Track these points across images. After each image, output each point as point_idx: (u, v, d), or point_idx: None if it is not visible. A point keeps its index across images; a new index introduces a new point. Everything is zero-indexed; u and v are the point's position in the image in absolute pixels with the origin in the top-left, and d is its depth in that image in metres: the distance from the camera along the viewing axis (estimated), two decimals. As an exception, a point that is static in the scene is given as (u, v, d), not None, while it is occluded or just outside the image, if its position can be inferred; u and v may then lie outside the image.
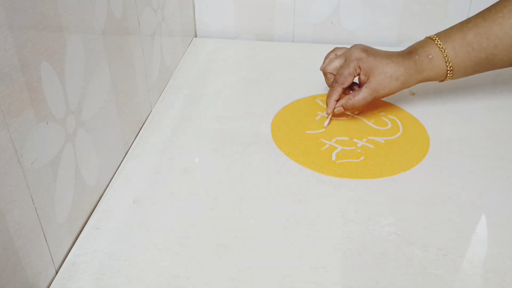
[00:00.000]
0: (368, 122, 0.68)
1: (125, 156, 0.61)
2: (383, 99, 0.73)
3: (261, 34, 0.96)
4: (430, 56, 0.63)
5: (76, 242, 0.49)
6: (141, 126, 0.67)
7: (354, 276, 0.45)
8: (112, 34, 0.55)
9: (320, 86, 0.77)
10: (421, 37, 0.92)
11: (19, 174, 0.38)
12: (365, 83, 0.64)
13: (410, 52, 0.64)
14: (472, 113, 0.70)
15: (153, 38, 0.70)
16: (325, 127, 0.67)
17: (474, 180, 0.57)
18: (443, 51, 0.63)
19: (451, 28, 0.65)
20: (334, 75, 0.67)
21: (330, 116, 0.67)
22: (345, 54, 0.67)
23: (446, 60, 0.63)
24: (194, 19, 0.96)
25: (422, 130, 0.66)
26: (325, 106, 0.72)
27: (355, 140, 0.64)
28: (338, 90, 0.66)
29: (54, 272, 0.45)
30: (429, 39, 0.65)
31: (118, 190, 0.56)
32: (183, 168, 0.59)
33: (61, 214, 0.46)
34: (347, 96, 0.65)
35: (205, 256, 0.47)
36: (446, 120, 0.68)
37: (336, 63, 0.68)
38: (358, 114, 0.70)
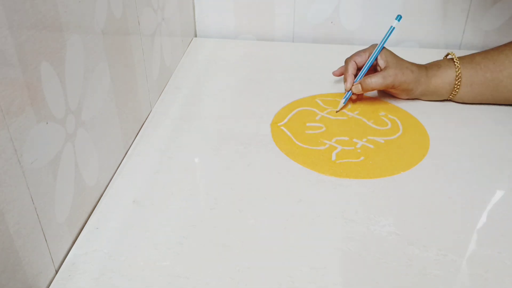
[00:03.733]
0: (368, 122, 0.68)
1: (125, 156, 0.61)
2: (384, 99, 0.74)
3: (261, 34, 0.96)
4: (439, 66, 0.69)
5: (76, 242, 0.49)
6: (141, 126, 0.67)
7: (354, 276, 0.45)
8: (112, 34, 0.55)
9: (320, 86, 0.77)
10: (421, 37, 0.92)
11: (19, 174, 0.38)
12: (383, 68, 0.69)
13: (423, 64, 0.71)
14: (472, 113, 0.70)
15: (153, 38, 0.70)
16: (341, 107, 0.70)
17: (474, 180, 0.57)
18: (455, 60, 0.68)
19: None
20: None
21: (348, 93, 0.70)
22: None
23: (457, 68, 0.67)
24: (194, 19, 0.96)
25: (422, 130, 0.66)
26: (325, 106, 0.72)
27: (355, 140, 0.64)
28: (352, 65, 0.70)
29: (54, 272, 0.45)
30: (444, 57, 0.72)
31: (118, 190, 0.56)
32: (183, 168, 0.59)
33: (61, 214, 0.46)
34: (366, 76, 0.69)
35: (205, 256, 0.47)
36: (446, 120, 0.68)
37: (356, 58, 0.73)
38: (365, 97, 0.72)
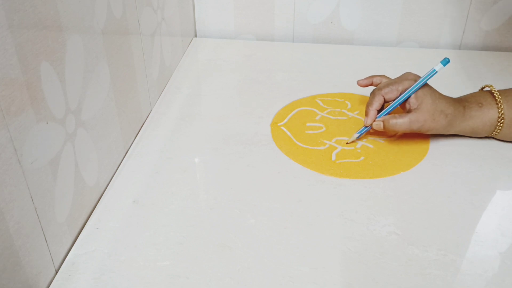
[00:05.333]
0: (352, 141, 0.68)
1: (125, 156, 0.61)
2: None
3: (261, 34, 0.96)
4: (480, 104, 0.60)
5: (76, 242, 0.49)
6: (141, 126, 0.67)
7: (354, 276, 0.45)
8: (112, 34, 0.55)
9: (320, 86, 0.77)
10: (421, 37, 0.92)
11: (19, 174, 0.38)
12: (413, 109, 0.59)
13: (460, 100, 0.61)
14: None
15: (153, 38, 0.70)
16: (349, 142, 0.63)
17: (474, 180, 0.57)
18: (496, 97, 0.60)
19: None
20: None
21: (366, 128, 0.62)
22: (398, 77, 0.63)
23: (499, 107, 0.59)
24: (194, 19, 0.96)
25: (422, 130, 0.66)
26: (325, 106, 0.72)
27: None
28: (379, 99, 0.61)
29: (54, 271, 0.45)
30: (482, 90, 0.63)
31: (118, 190, 0.56)
32: (183, 168, 0.59)
33: (61, 213, 0.46)
34: (391, 115, 0.60)
35: (205, 256, 0.47)
36: (446, 120, 0.68)
37: (385, 80, 0.65)
38: (395, 136, 0.65)
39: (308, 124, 0.67)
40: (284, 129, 0.66)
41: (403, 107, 0.62)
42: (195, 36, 0.98)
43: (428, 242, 0.48)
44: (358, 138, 0.63)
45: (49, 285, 0.44)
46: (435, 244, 0.48)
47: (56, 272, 0.45)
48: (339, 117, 0.69)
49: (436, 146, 0.62)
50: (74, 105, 0.47)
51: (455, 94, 0.62)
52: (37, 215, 0.41)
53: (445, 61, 0.60)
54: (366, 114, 0.62)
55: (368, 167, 0.59)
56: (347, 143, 0.63)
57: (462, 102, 0.60)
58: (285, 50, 0.92)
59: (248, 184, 0.56)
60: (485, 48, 0.91)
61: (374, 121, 0.61)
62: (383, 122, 0.61)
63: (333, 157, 0.61)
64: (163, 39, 0.75)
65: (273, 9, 0.93)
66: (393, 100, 0.61)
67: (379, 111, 0.62)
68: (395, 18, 0.91)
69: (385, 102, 0.62)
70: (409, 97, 0.60)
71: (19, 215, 0.39)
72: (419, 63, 0.85)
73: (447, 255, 0.47)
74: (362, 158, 0.60)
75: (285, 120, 0.68)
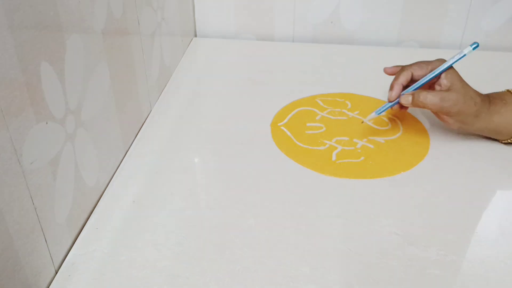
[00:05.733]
0: (369, 121, 0.68)
1: (124, 156, 0.61)
2: (384, 99, 0.73)
3: (261, 34, 0.96)
4: (504, 101, 0.59)
5: (76, 242, 0.49)
6: (141, 126, 0.67)
7: (354, 276, 0.45)
8: (112, 34, 0.55)
9: (320, 86, 0.77)
10: (421, 37, 0.92)
11: (19, 174, 0.38)
12: (444, 89, 0.58)
13: (486, 95, 0.60)
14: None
15: (153, 38, 0.70)
16: (371, 118, 0.61)
17: (474, 180, 0.57)
18: None
19: None
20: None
21: (386, 104, 0.60)
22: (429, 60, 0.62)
23: None
24: (194, 19, 0.96)
25: (422, 130, 0.66)
26: (325, 106, 0.72)
27: (355, 140, 0.64)
28: (407, 75, 0.60)
29: (53, 272, 0.45)
30: (508, 91, 0.61)
31: (118, 190, 0.56)
32: (183, 168, 0.59)
33: (60, 214, 0.45)
34: (423, 90, 0.58)
35: (205, 256, 0.47)
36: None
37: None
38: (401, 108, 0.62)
39: (308, 124, 0.67)
40: (284, 129, 0.66)
41: (432, 88, 0.60)
42: (195, 36, 0.98)
43: (428, 242, 0.48)
44: (380, 115, 0.60)
45: (49, 285, 0.44)
46: (435, 244, 0.48)
47: (56, 272, 0.45)
48: (339, 117, 0.69)
49: (436, 146, 0.62)
50: (74, 105, 0.47)
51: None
52: (37, 215, 0.41)
53: (475, 46, 0.59)
54: (391, 88, 0.60)
55: (368, 167, 0.59)
56: (362, 122, 0.61)
57: (487, 97, 0.59)
58: (285, 50, 0.92)
59: (248, 184, 0.56)
60: (486, 48, 0.91)
61: (401, 96, 0.59)
62: (413, 95, 0.58)
63: (333, 157, 0.61)
64: (163, 39, 0.75)
65: (273, 9, 0.93)
66: (421, 78, 0.60)
67: (404, 87, 0.60)
68: (395, 18, 0.91)
69: (412, 80, 0.60)
70: (438, 75, 0.59)
71: (19, 215, 0.39)
72: (483, 93, 0.84)
73: (447, 255, 0.47)
74: (362, 158, 0.60)
75: (285, 120, 0.68)
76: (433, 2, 0.88)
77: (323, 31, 0.94)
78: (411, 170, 0.58)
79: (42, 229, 0.42)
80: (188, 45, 0.93)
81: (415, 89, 0.60)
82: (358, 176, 0.57)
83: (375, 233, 0.49)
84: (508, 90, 0.61)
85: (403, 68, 0.61)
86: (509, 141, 0.61)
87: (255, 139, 0.64)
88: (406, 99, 0.59)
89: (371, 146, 0.63)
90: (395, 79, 0.61)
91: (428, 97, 0.57)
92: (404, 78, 0.60)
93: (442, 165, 0.59)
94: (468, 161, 0.60)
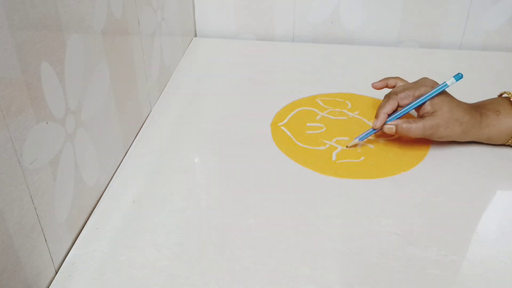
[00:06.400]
0: (368, 122, 0.68)
1: (124, 156, 0.61)
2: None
3: (261, 34, 0.96)
4: (497, 112, 0.59)
5: (76, 242, 0.49)
6: (141, 126, 0.67)
7: (354, 276, 0.45)
8: (112, 34, 0.55)
9: (320, 86, 0.77)
10: (421, 37, 0.92)
11: (19, 174, 0.38)
12: (428, 116, 0.59)
13: (478, 106, 0.60)
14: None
15: (153, 38, 0.70)
16: (349, 146, 0.62)
17: (474, 180, 0.57)
18: None
19: None
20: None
21: (370, 130, 0.61)
22: (415, 82, 0.63)
23: None
24: (194, 19, 0.96)
25: (422, 130, 0.66)
26: (325, 106, 0.72)
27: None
28: (393, 104, 0.61)
29: (53, 272, 0.45)
30: (501, 96, 0.61)
31: (118, 190, 0.56)
32: (183, 168, 0.59)
33: (60, 214, 0.46)
34: (405, 120, 0.59)
35: (205, 256, 0.47)
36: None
37: (400, 83, 0.65)
38: (394, 139, 0.64)
39: (308, 124, 0.67)
40: (284, 129, 0.66)
41: (417, 113, 0.62)
42: (195, 36, 0.98)
43: (428, 242, 0.48)
44: (362, 141, 0.62)
45: (49, 285, 0.44)
46: (435, 244, 0.48)
47: (56, 272, 0.45)
48: (339, 117, 0.69)
49: (436, 146, 0.62)
50: (74, 105, 0.47)
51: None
52: (37, 215, 0.41)
53: (458, 76, 0.59)
54: (376, 117, 0.61)
55: (368, 167, 0.59)
56: (347, 146, 0.62)
57: (479, 109, 0.60)
58: (285, 50, 0.92)
59: (248, 184, 0.56)
60: (486, 48, 0.91)
61: (385, 124, 0.60)
62: (396, 126, 0.59)
63: (334, 157, 0.61)
64: (163, 39, 0.75)
65: (273, 9, 0.93)
66: (406, 105, 0.61)
67: (389, 115, 0.61)
68: (396, 18, 0.91)
69: (399, 107, 0.62)
70: (423, 103, 0.59)
71: (19, 215, 0.39)
72: (419, 63, 0.85)
73: (447, 255, 0.47)
74: (362, 158, 0.60)
75: (285, 120, 0.68)
76: (433, 2, 0.88)
77: (323, 31, 0.94)
78: (411, 170, 0.58)
79: (42, 229, 0.42)
80: (188, 45, 0.93)
81: (399, 117, 0.61)
82: (358, 176, 0.57)
83: (375, 233, 0.49)
84: (507, 97, 0.60)
85: (389, 96, 0.62)
86: (506, 143, 0.61)
87: (255, 139, 0.64)
88: (390, 129, 0.60)
89: (371, 146, 0.63)
90: (381, 108, 0.61)
91: (412, 127, 0.58)
92: (390, 107, 0.61)
93: (442, 165, 0.59)
94: (468, 161, 0.60)
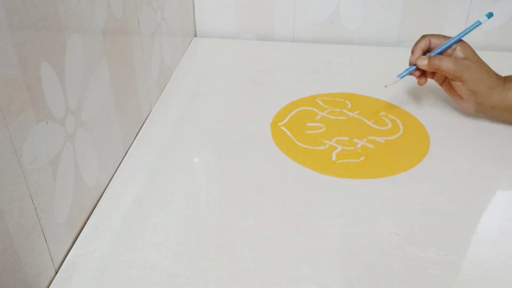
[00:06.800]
0: (369, 122, 0.68)
1: (124, 156, 0.61)
2: (384, 99, 0.73)
3: (261, 34, 0.96)
4: None
5: (76, 242, 0.49)
6: (141, 126, 0.67)
7: (354, 276, 0.45)
8: (112, 34, 0.55)
9: (320, 86, 0.77)
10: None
11: (19, 174, 0.38)
12: (459, 57, 0.62)
13: (500, 75, 0.63)
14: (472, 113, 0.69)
15: (153, 38, 0.70)
16: (394, 82, 0.65)
17: (474, 180, 0.57)
18: None
19: None
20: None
21: (407, 69, 0.65)
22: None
23: None
24: (194, 19, 0.96)
25: (422, 130, 0.66)
26: (325, 106, 0.72)
27: (355, 140, 0.64)
28: (427, 41, 0.64)
29: (53, 272, 0.45)
30: None
31: (118, 190, 0.56)
32: (183, 168, 0.59)
33: (60, 214, 0.46)
34: (438, 55, 0.63)
35: (205, 256, 0.47)
36: (446, 120, 0.68)
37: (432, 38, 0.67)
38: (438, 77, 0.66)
39: (308, 124, 0.67)
40: (284, 129, 0.66)
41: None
42: (195, 36, 0.98)
43: (428, 242, 0.48)
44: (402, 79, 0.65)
45: (49, 285, 0.44)
46: (435, 244, 0.48)
47: (56, 272, 0.45)
48: (339, 117, 0.69)
49: (436, 146, 0.62)
50: (74, 105, 0.47)
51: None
52: (37, 215, 0.41)
53: (490, 15, 0.63)
54: (412, 52, 0.64)
55: (368, 167, 0.59)
56: (385, 86, 0.65)
57: (502, 76, 0.62)
58: (285, 50, 0.92)
59: (248, 184, 0.56)
60: (486, 48, 0.91)
61: (418, 59, 0.63)
62: (429, 58, 0.62)
63: (334, 157, 0.61)
64: (163, 39, 0.75)
65: (273, 9, 0.93)
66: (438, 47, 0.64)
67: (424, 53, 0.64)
68: (395, 18, 0.91)
69: (428, 50, 0.65)
70: (455, 42, 0.62)
71: (19, 215, 0.39)
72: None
73: (447, 255, 0.47)
74: (362, 158, 0.60)
75: (285, 120, 0.68)
76: (433, 2, 0.88)
77: (323, 31, 0.94)
78: (411, 170, 0.58)
79: (42, 229, 0.42)
80: (188, 45, 0.93)
81: (432, 54, 0.64)
82: (358, 176, 0.57)
83: (375, 233, 0.49)
84: None
85: (424, 36, 0.66)
86: None
87: (255, 139, 0.64)
88: (422, 62, 0.63)
89: (371, 146, 0.63)
90: (415, 44, 0.65)
91: (443, 60, 0.61)
92: (423, 43, 0.64)
93: (442, 165, 0.59)
94: (468, 161, 0.60)
